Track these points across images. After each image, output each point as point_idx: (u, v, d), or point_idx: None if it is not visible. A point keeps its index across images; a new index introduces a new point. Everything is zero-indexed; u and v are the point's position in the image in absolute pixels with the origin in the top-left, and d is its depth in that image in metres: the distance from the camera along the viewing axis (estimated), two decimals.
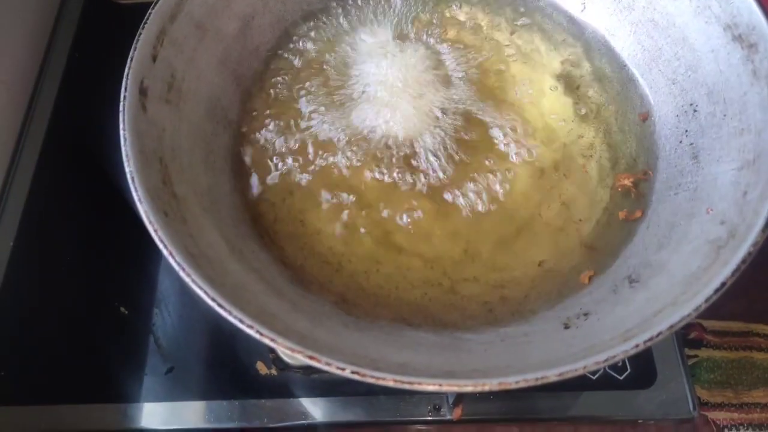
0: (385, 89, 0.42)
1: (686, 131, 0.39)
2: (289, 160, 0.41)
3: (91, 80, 0.56)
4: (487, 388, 0.25)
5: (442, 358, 0.31)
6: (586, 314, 0.33)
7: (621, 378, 0.41)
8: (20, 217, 0.50)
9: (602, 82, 0.44)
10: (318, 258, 0.37)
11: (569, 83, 0.44)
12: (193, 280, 0.27)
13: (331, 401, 0.42)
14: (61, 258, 0.49)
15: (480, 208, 0.39)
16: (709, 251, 0.30)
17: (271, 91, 0.44)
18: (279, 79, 0.44)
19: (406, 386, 0.25)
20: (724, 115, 0.36)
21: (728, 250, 0.29)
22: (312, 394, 0.42)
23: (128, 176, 0.30)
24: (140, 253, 0.48)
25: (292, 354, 0.26)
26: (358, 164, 0.40)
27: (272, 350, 0.43)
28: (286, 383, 0.42)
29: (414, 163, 0.40)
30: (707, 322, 0.66)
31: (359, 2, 0.47)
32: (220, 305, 0.26)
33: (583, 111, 0.43)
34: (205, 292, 0.27)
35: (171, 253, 0.28)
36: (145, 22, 0.35)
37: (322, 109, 0.42)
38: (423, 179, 0.40)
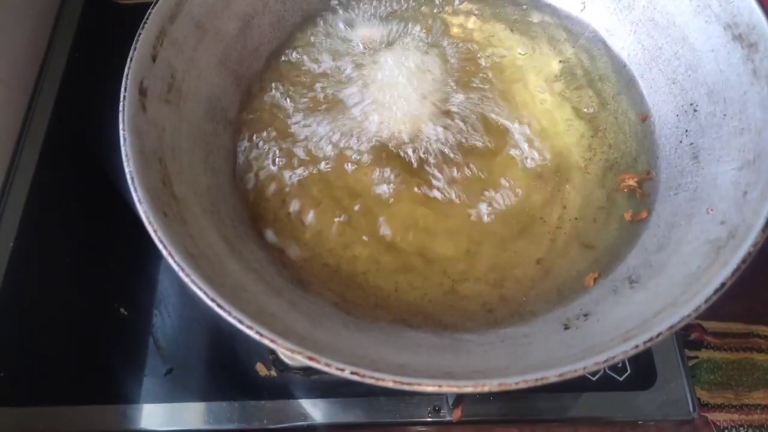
0: (386, 89, 0.42)
1: (686, 131, 0.39)
2: (289, 161, 0.41)
3: (91, 80, 0.56)
4: (486, 389, 0.25)
5: (442, 359, 0.31)
6: (585, 315, 0.33)
7: (621, 379, 0.41)
8: (20, 217, 0.50)
9: (602, 82, 0.44)
10: (318, 258, 0.37)
11: (569, 83, 0.44)
12: (192, 281, 0.27)
13: (330, 402, 0.42)
14: (61, 259, 0.49)
15: (481, 208, 0.39)
16: (709, 251, 0.30)
17: (272, 91, 0.44)
18: (279, 79, 0.44)
19: (406, 387, 0.25)
20: (724, 115, 0.36)
21: (728, 250, 0.29)
22: (312, 395, 0.42)
23: (128, 176, 0.30)
24: (140, 253, 0.48)
25: (291, 355, 0.26)
26: (359, 165, 0.40)
27: (272, 351, 0.43)
28: (285, 384, 0.42)
29: (414, 163, 0.40)
30: (707, 323, 0.66)
31: (360, 1, 0.47)
32: (219, 306, 0.26)
33: (583, 111, 0.43)
34: (205, 293, 0.27)
35: (170, 254, 0.28)
36: (145, 22, 0.35)
37: (323, 109, 0.42)
38: (423, 179, 0.40)
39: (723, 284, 0.27)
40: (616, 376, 0.42)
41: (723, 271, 0.27)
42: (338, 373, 0.25)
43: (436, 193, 0.39)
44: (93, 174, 0.53)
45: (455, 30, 0.46)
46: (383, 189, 0.39)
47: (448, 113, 0.42)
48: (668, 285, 0.31)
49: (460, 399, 0.41)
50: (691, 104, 0.39)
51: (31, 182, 0.51)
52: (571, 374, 0.25)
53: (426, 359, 0.30)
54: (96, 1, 0.61)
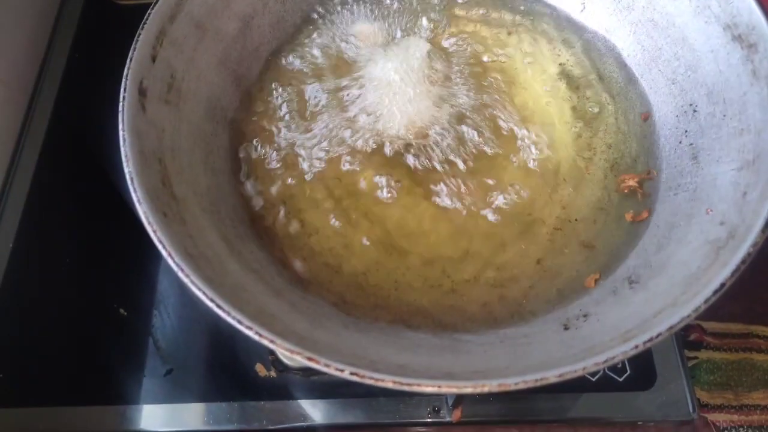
0: (386, 90, 0.42)
1: (686, 131, 0.39)
2: (289, 161, 0.41)
3: (90, 80, 0.57)
4: (486, 389, 0.25)
5: (442, 360, 0.31)
6: (585, 315, 0.33)
7: (620, 379, 0.41)
8: (20, 217, 0.50)
9: (602, 83, 0.44)
10: (317, 259, 0.37)
11: (569, 83, 0.44)
12: (192, 281, 0.27)
13: (330, 403, 0.42)
14: (61, 259, 0.49)
15: (480, 209, 0.39)
16: (709, 252, 0.30)
17: (272, 91, 0.44)
18: (279, 79, 0.44)
19: (406, 388, 0.25)
20: (724, 116, 0.36)
21: (728, 250, 0.29)
22: (311, 396, 0.42)
23: (127, 177, 0.30)
24: (139, 254, 0.48)
25: (291, 355, 0.26)
26: (359, 165, 0.40)
27: (271, 352, 0.43)
28: (285, 385, 0.42)
29: (414, 164, 0.40)
30: (707, 324, 0.66)
31: (360, 1, 0.47)
32: (218, 306, 0.26)
33: (583, 111, 0.43)
34: (204, 293, 0.27)
35: (170, 254, 0.28)
36: (145, 22, 0.35)
37: (323, 109, 0.42)
38: (423, 180, 0.40)
39: (722, 285, 0.27)
40: (615, 377, 0.42)
41: (722, 272, 0.27)
42: (338, 373, 0.25)
43: (436, 194, 0.39)
44: (93, 174, 0.53)
45: (455, 30, 0.46)
46: (383, 189, 0.39)
47: (447, 114, 0.42)
48: (668, 285, 0.31)
49: (459, 399, 0.41)
50: (691, 105, 0.39)
51: (31, 182, 0.51)
52: (570, 375, 0.25)
53: (425, 360, 0.30)
54: (96, 2, 0.61)
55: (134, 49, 0.34)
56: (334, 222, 0.38)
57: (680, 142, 0.39)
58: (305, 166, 0.40)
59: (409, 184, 0.39)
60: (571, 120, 0.42)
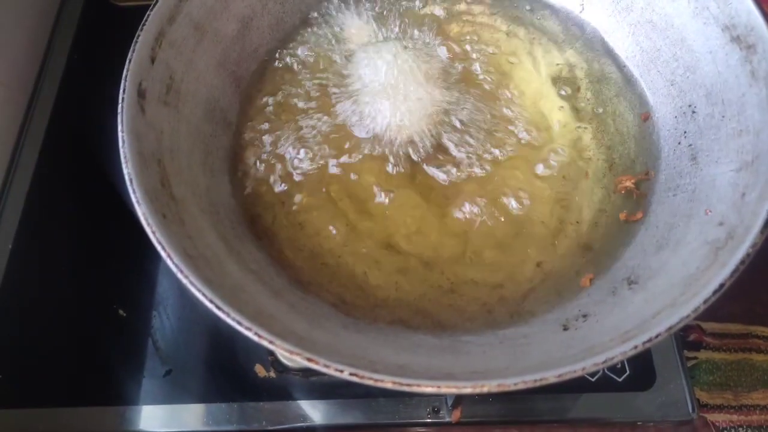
0: (386, 90, 0.42)
1: (685, 132, 0.39)
2: (288, 162, 0.41)
3: (90, 82, 0.57)
4: (485, 389, 0.25)
5: (441, 360, 0.31)
6: (584, 316, 0.33)
7: (620, 380, 0.41)
8: (19, 217, 0.50)
9: (601, 84, 0.44)
10: (317, 259, 0.37)
11: (568, 84, 0.44)
12: (191, 282, 0.27)
13: (329, 404, 0.42)
14: (60, 259, 0.49)
15: (479, 209, 0.39)
16: (708, 252, 0.30)
17: (270, 92, 0.44)
18: (278, 80, 0.44)
19: (405, 388, 0.25)
20: (723, 117, 0.36)
21: (727, 251, 0.29)
22: (311, 396, 0.42)
23: (126, 178, 0.30)
24: (139, 254, 0.48)
25: (290, 356, 0.26)
26: (357, 166, 0.40)
27: (271, 353, 0.43)
28: (284, 386, 0.42)
29: (413, 165, 0.40)
30: (706, 324, 0.66)
31: (359, 3, 0.48)
32: (218, 307, 0.26)
33: (582, 112, 0.43)
34: (203, 294, 0.27)
35: (169, 255, 0.28)
36: (144, 24, 0.35)
37: (322, 110, 0.42)
38: (423, 181, 0.40)
39: (722, 285, 0.27)
40: (615, 377, 0.42)
41: (722, 272, 0.28)
42: (337, 374, 0.25)
43: (435, 195, 0.39)
44: (92, 174, 0.53)
45: (455, 31, 0.46)
46: (383, 190, 0.39)
47: (445, 115, 0.42)
48: (667, 286, 0.31)
49: (459, 400, 0.41)
50: (690, 106, 0.39)
51: (30, 182, 0.51)
52: (570, 375, 0.25)
53: (425, 360, 0.30)
54: (95, 3, 0.61)
55: (133, 51, 0.34)
56: (333, 222, 0.38)
57: (679, 143, 0.39)
58: (304, 166, 0.40)
59: (408, 184, 0.39)
60: (570, 121, 0.42)
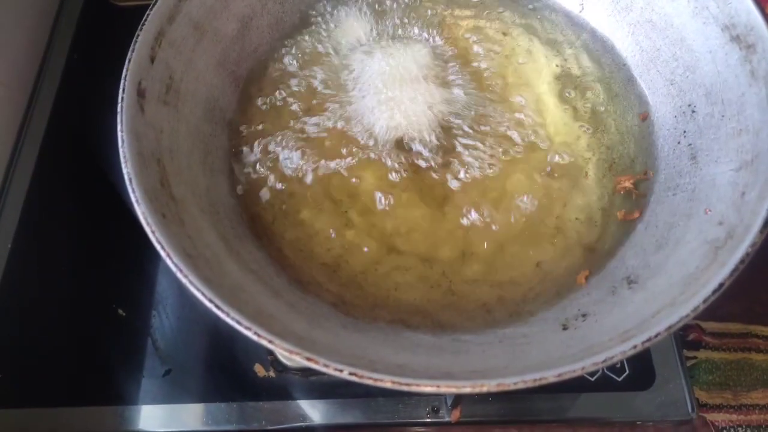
0: (385, 90, 0.42)
1: (684, 132, 0.39)
2: (288, 162, 0.41)
3: (89, 81, 0.57)
4: (485, 389, 0.25)
5: (441, 360, 0.31)
6: (584, 315, 0.33)
7: (619, 379, 0.41)
8: (19, 216, 0.50)
9: (600, 83, 0.44)
10: (316, 259, 0.37)
11: (567, 84, 0.44)
12: (190, 281, 0.27)
13: (329, 403, 0.42)
14: (60, 260, 0.49)
15: (479, 209, 0.39)
16: (708, 252, 0.30)
17: (270, 92, 0.44)
18: (278, 80, 0.44)
19: (404, 388, 0.25)
20: (722, 116, 0.36)
21: (726, 250, 0.29)
22: (310, 396, 0.42)
23: (126, 178, 0.30)
24: (138, 254, 0.48)
25: (289, 356, 0.26)
26: (357, 166, 0.40)
27: (270, 352, 0.43)
28: (284, 385, 0.42)
29: (413, 165, 0.40)
30: (706, 324, 0.66)
31: (359, 3, 0.48)
32: (217, 306, 0.26)
33: (581, 112, 0.43)
34: (203, 293, 0.27)
35: (168, 255, 0.28)
36: (144, 23, 0.35)
37: (322, 109, 0.42)
38: (422, 181, 0.40)
39: (721, 285, 0.27)
40: (614, 377, 0.42)
41: (721, 272, 0.28)
42: (336, 373, 0.25)
43: (435, 195, 0.39)
44: (92, 174, 0.53)
45: (454, 31, 0.46)
46: (382, 190, 0.39)
47: (444, 115, 0.42)
48: (667, 285, 0.31)
49: (458, 399, 0.41)
50: (690, 105, 0.39)
51: (30, 182, 0.51)
52: (569, 374, 0.25)
53: (424, 359, 0.30)
54: (95, 3, 0.61)
55: (133, 50, 0.34)
56: (333, 222, 0.38)
57: (679, 143, 0.39)
58: (304, 166, 0.40)
59: (407, 184, 0.39)
60: (569, 121, 0.42)
